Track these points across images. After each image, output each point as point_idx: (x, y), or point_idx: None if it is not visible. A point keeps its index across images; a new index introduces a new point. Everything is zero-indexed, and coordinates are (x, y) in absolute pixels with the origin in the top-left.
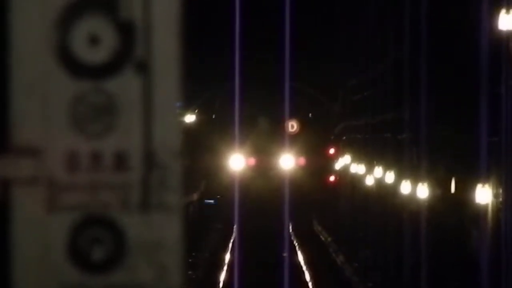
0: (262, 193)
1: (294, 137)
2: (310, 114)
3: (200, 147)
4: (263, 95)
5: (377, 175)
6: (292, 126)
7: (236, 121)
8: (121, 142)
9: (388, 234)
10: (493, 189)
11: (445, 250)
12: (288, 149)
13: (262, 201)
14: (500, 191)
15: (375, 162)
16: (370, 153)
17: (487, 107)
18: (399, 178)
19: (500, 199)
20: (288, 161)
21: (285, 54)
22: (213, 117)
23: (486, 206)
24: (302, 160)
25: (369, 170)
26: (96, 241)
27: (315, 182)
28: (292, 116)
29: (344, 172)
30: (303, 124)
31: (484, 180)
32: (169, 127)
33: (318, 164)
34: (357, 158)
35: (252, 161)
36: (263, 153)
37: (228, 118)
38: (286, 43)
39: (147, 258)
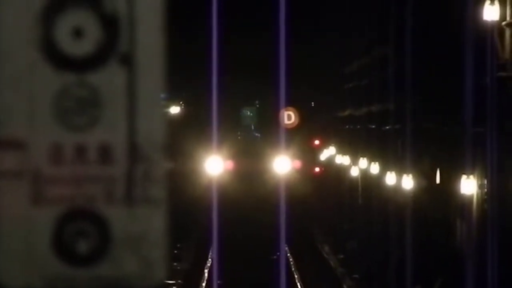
0: (244, 208)
1: (291, 132)
2: (312, 103)
3: (175, 147)
4: (250, 81)
5: (362, 166)
6: (289, 117)
7: (212, 114)
8: (105, 135)
9: (374, 225)
10: (477, 180)
11: (430, 241)
12: (282, 148)
13: (245, 219)
14: (485, 182)
15: (360, 153)
16: (355, 144)
17: (472, 97)
18: (384, 169)
19: (485, 190)
20: (282, 164)
21: (279, 33)
22: (183, 110)
23: (471, 197)
24: (300, 163)
25: (354, 161)
26: (81, 234)
27: (311, 185)
28: (289, 104)
29: (329, 163)
30: (303, 115)
31: (469, 171)
32: (153, 120)
33: (313, 165)
34: (341, 149)
35: (231, 165)
36: (247, 154)
37: (204, 112)
38: (281, 21)
39: (132, 251)
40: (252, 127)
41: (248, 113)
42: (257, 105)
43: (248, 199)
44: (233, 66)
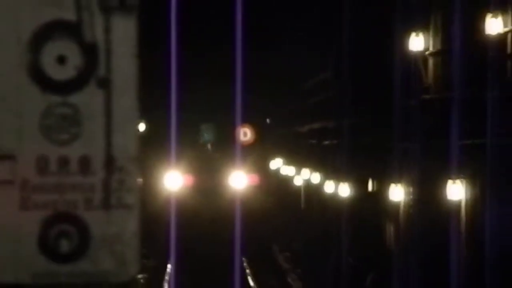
0: (202, 222)
1: (247, 149)
2: (268, 120)
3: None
4: (208, 96)
5: (304, 177)
6: (245, 134)
7: (171, 130)
8: (85, 148)
9: (313, 229)
10: (405, 188)
11: (363, 243)
12: (239, 164)
13: (203, 234)
14: (411, 189)
15: (303, 165)
16: (298, 157)
17: (400, 117)
18: (324, 178)
19: (411, 196)
20: (239, 180)
21: (235, 47)
22: (146, 128)
23: (399, 203)
24: (255, 178)
25: (298, 172)
26: (64, 235)
27: (265, 196)
28: (245, 121)
29: (275, 174)
30: (258, 132)
31: (397, 180)
32: (127, 135)
33: (267, 178)
34: (288, 162)
35: (190, 180)
36: (204, 170)
37: (161, 127)
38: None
39: (108, 250)
40: (210, 144)
41: (206, 129)
42: (215, 122)
43: (208, 214)
44: (192, 82)
